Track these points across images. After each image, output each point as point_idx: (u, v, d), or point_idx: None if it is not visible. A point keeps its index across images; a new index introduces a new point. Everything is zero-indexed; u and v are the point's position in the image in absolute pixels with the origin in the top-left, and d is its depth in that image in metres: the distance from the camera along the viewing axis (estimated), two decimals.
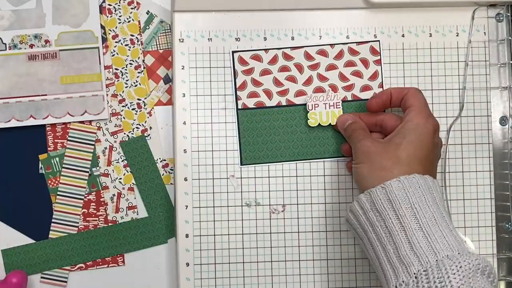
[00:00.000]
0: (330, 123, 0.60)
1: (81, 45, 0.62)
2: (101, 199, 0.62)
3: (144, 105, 0.63)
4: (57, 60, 0.62)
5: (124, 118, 0.62)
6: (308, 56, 0.62)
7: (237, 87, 0.61)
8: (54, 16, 0.62)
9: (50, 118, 0.61)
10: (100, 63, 0.62)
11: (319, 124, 0.60)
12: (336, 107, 0.60)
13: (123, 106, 0.62)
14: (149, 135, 0.62)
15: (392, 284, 0.48)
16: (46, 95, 0.61)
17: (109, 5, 0.63)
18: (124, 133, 0.62)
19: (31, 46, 0.61)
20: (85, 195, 0.62)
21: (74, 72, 0.62)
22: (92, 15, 0.62)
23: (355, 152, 0.56)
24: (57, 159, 0.62)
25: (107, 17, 0.63)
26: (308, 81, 0.62)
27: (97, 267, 0.62)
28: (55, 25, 0.62)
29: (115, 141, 0.62)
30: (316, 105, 0.60)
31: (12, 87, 0.61)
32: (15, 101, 0.61)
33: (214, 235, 0.60)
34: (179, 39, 0.61)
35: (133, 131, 0.62)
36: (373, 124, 0.59)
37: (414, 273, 0.47)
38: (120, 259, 0.62)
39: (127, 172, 0.62)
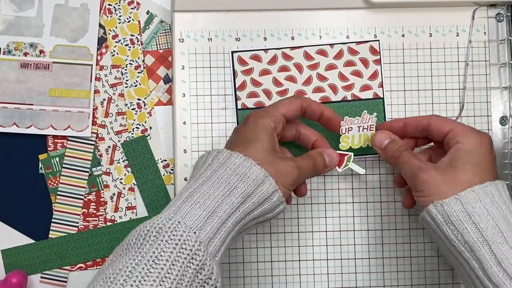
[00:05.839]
0: (361, 146, 0.58)
1: (75, 60, 0.62)
2: (101, 199, 0.62)
3: (144, 105, 0.63)
4: (48, 71, 0.61)
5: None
6: (307, 56, 0.62)
7: (236, 87, 0.61)
8: (52, 27, 0.62)
9: (32, 128, 0.61)
10: (91, 81, 0.62)
11: (350, 147, 0.58)
12: (370, 130, 0.57)
13: (125, 105, 0.63)
14: (149, 135, 0.62)
15: None
16: (32, 104, 0.61)
17: (109, 5, 0.63)
18: (129, 132, 0.62)
19: (25, 54, 0.61)
20: (85, 195, 0.62)
21: (64, 86, 0.62)
22: (91, 33, 0.62)
23: (410, 180, 0.53)
24: (57, 159, 0.62)
25: (107, 17, 0.63)
26: (308, 81, 0.62)
27: (97, 267, 0.62)
28: (52, 36, 0.62)
29: (119, 141, 0.62)
30: (350, 129, 0.57)
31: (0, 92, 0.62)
32: (0, 106, 0.61)
33: None
34: (179, 39, 0.61)
35: (133, 131, 0.62)
36: (418, 131, 0.56)
37: None
38: None
39: (128, 172, 0.62)
